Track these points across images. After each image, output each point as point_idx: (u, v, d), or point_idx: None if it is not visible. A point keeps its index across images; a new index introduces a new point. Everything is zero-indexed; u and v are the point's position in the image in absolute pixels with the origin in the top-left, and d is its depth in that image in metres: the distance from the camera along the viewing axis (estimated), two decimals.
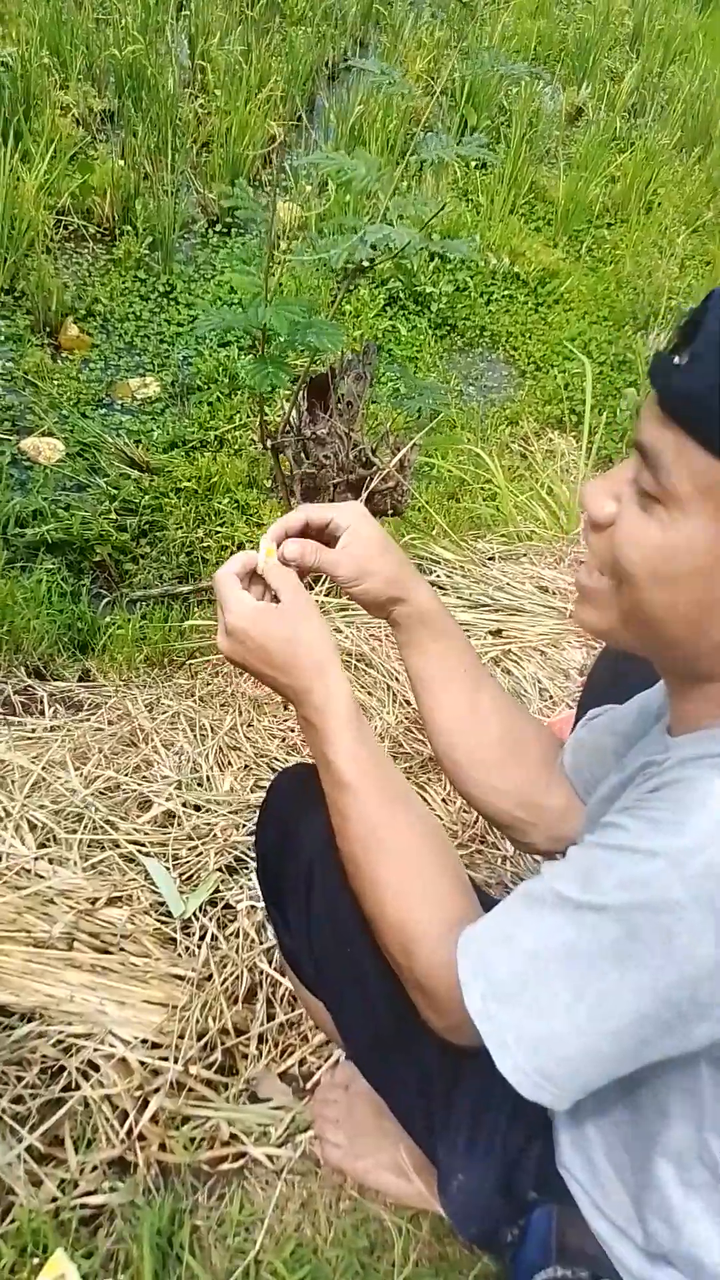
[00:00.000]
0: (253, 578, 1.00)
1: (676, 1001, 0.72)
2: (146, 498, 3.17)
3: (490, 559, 2.46)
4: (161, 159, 4.29)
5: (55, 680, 2.21)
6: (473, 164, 5.00)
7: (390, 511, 2.28)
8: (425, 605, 1.07)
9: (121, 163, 4.25)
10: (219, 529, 3.12)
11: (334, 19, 5.66)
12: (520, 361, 4.18)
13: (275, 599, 0.97)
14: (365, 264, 2.02)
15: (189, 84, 4.94)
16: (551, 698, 1.96)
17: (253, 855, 1.51)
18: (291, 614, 0.95)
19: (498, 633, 2.09)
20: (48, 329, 3.71)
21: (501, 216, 4.68)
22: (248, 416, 3.46)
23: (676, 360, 0.70)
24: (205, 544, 3.12)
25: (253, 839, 1.42)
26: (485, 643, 2.06)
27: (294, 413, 2.20)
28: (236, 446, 3.42)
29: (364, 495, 2.16)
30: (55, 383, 3.51)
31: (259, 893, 1.50)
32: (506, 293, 4.42)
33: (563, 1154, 0.96)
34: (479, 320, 4.27)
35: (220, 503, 3.18)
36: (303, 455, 2.22)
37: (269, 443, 2.20)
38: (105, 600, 2.87)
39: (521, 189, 4.85)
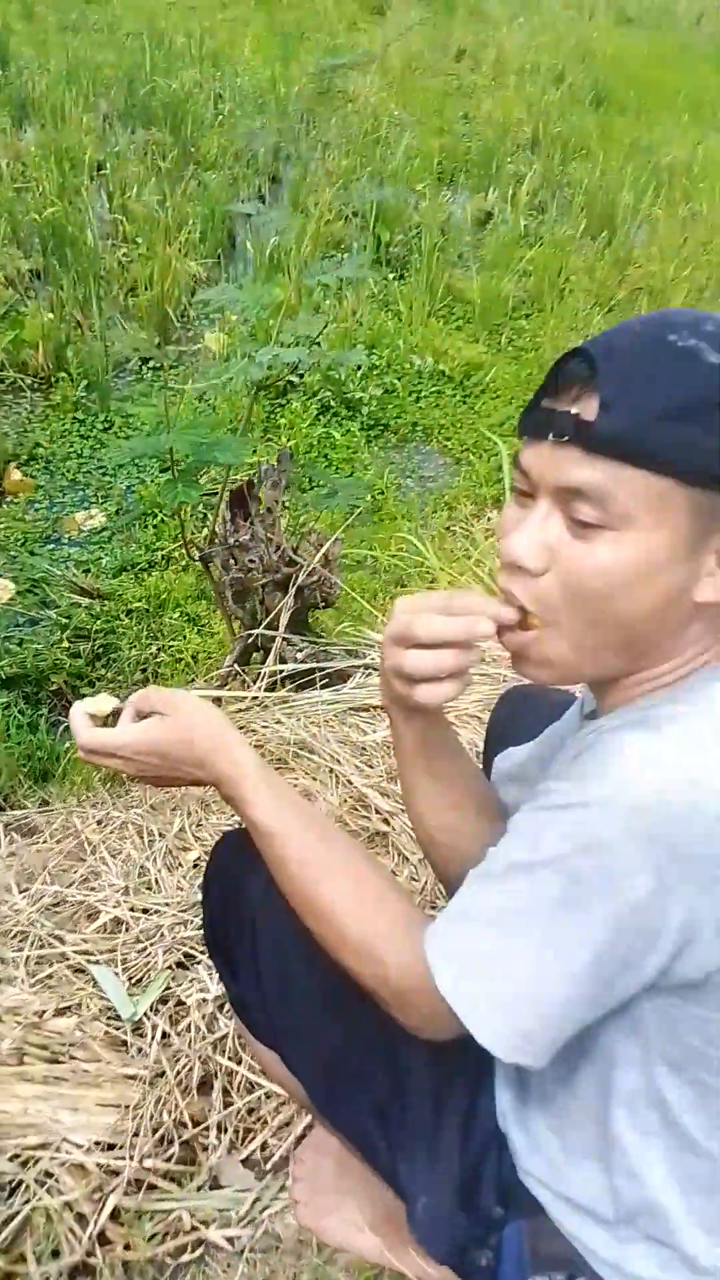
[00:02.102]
0: (108, 720, 1.06)
1: (626, 933, 0.77)
2: (98, 623, 3.25)
3: None
4: (89, 308, 4.51)
5: (14, 810, 2.25)
6: (390, 276, 5.27)
7: (321, 604, 2.36)
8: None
9: (51, 315, 4.47)
10: (172, 643, 3.20)
11: (245, 160, 5.99)
12: (454, 450, 4.32)
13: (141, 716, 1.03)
14: (267, 380, 2.14)
15: (110, 236, 5.22)
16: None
17: (203, 948, 1.54)
18: (177, 717, 1.02)
19: None
20: None
21: (422, 320, 4.89)
22: (190, 533, 3.59)
23: (575, 411, 0.81)
24: (159, 659, 3.20)
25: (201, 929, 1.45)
26: None
27: (218, 524, 2.29)
28: (183, 563, 3.52)
29: (291, 591, 2.24)
30: (1, 527, 3.63)
31: (208, 985, 1.54)
32: (434, 389, 4.60)
33: (521, 1161, 0.99)
34: (410, 418, 4.43)
35: (171, 618, 3.27)
36: (230, 562, 2.31)
37: (197, 555, 2.29)
38: (63, 726, 2.92)
39: (438, 293, 5.07)
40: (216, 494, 2.26)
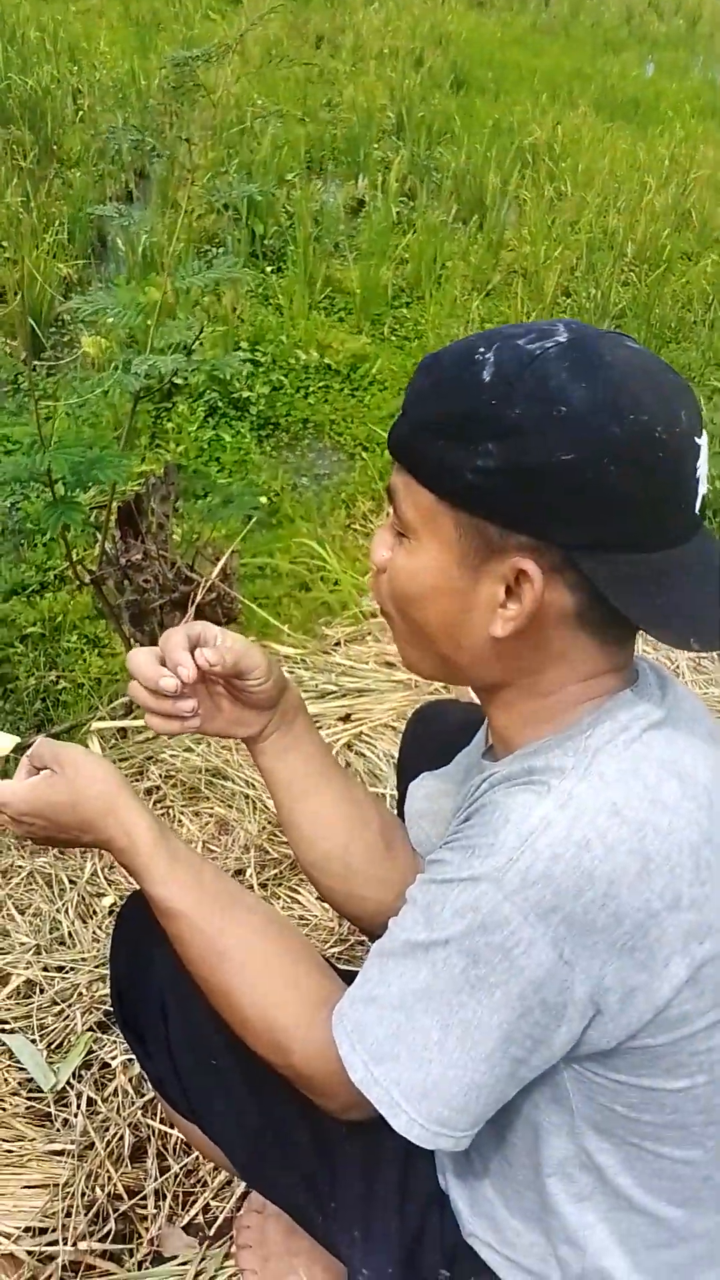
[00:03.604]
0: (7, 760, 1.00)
1: (531, 1010, 0.75)
2: None
3: (336, 644, 2.48)
4: None
5: None
6: (268, 269, 5.18)
7: (224, 620, 2.29)
8: (298, 693, 1.11)
9: None
10: (73, 668, 3.08)
11: (109, 156, 5.82)
12: (347, 446, 4.27)
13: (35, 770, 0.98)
14: (147, 390, 2.05)
15: None
16: None
17: None
18: (64, 775, 0.96)
19: (346, 718, 2.09)
20: None
21: (304, 313, 4.82)
22: (85, 549, 3.46)
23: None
24: (60, 685, 3.08)
25: None
26: (335, 730, 2.06)
27: (107, 544, 2.20)
28: (77, 583, 3.39)
29: (191, 610, 2.15)
30: None
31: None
32: (322, 383, 4.53)
33: (465, 1223, 0.96)
34: (300, 414, 4.36)
35: (69, 641, 3.15)
36: (125, 583, 2.22)
37: (88, 578, 2.19)
38: None
39: (317, 285, 5.01)
40: (104, 508, 2.16)
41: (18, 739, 1.02)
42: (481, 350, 0.78)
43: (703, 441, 0.80)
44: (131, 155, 5.91)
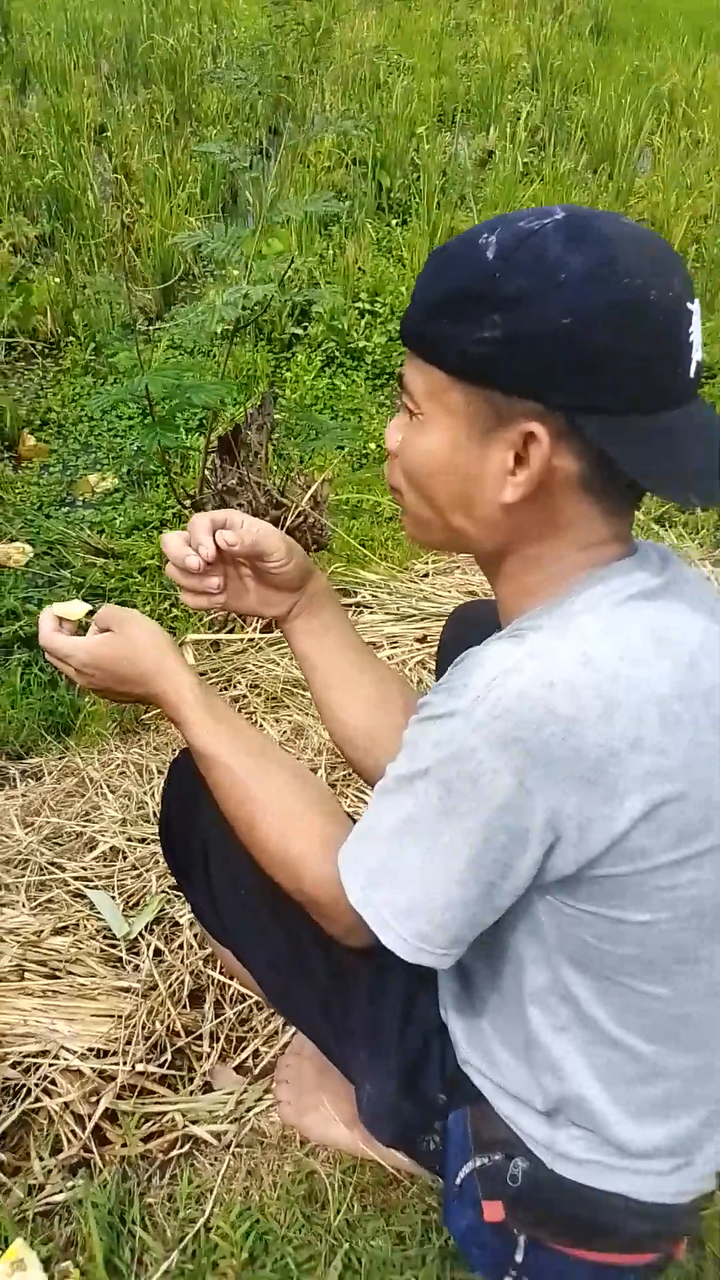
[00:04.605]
0: (79, 624, 1.13)
1: (496, 834, 0.82)
2: (113, 581, 3.32)
3: (424, 576, 2.57)
4: (94, 271, 4.55)
5: (30, 759, 2.34)
6: (393, 222, 5.25)
7: (314, 546, 2.41)
8: (326, 582, 1.20)
9: (58, 280, 4.52)
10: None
11: (244, 114, 5.96)
12: None
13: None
14: (243, 321, 2.17)
15: (117, 197, 5.24)
16: None
17: None
18: (123, 635, 1.08)
19: (423, 639, 2.19)
20: (6, 443, 3.92)
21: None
22: (182, 482, 3.64)
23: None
24: (173, 614, 3.28)
25: None
26: (411, 649, 2.16)
27: (206, 470, 2.34)
28: (180, 505, 3.57)
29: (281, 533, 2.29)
30: (17, 491, 3.71)
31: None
32: None
33: (461, 1050, 1.06)
34: None
35: None
36: (221, 507, 2.36)
37: (188, 502, 2.35)
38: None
39: (440, 236, 5.04)
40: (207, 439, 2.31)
41: (90, 606, 1.15)
42: (485, 235, 0.84)
43: (695, 307, 0.85)
44: (265, 112, 6.03)
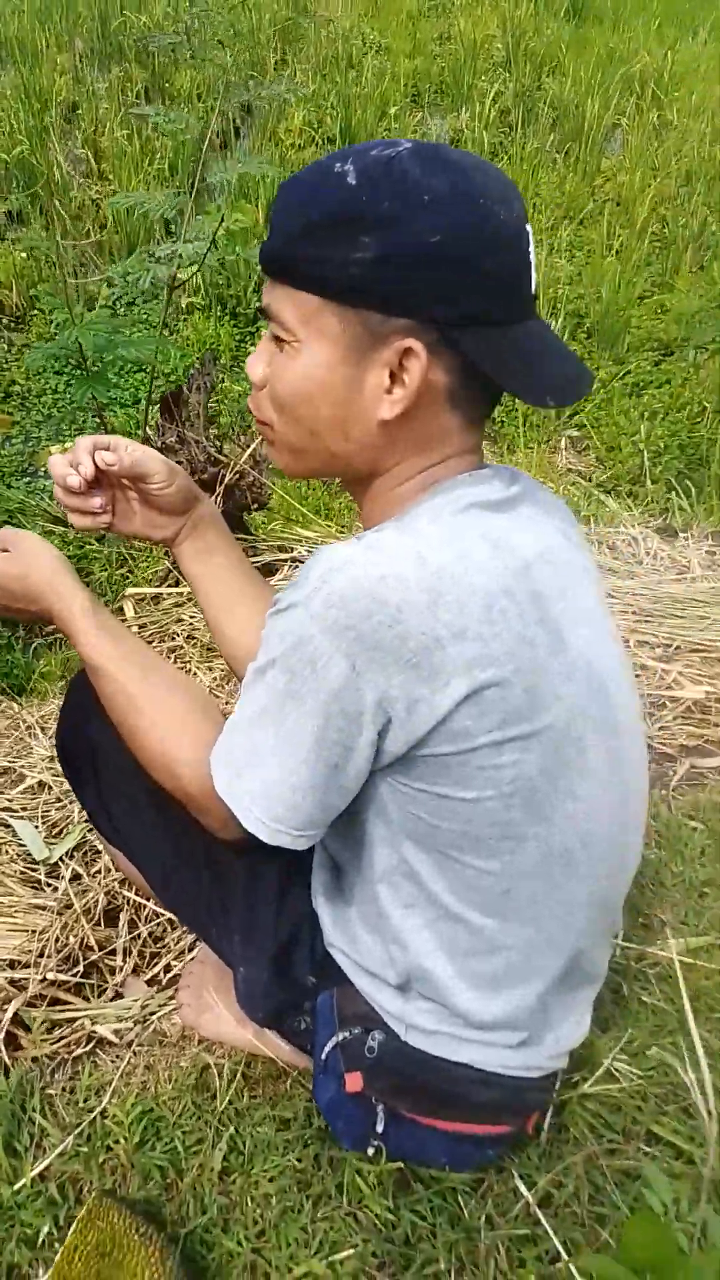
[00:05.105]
0: None
1: (334, 717, 0.89)
2: (71, 549, 3.39)
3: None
4: (62, 246, 4.59)
5: None
6: None
7: (254, 505, 2.48)
8: (213, 507, 1.25)
9: (24, 255, 4.57)
10: (144, 561, 3.33)
11: (215, 91, 5.99)
12: None
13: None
14: (177, 280, 2.23)
15: (87, 174, 5.29)
16: None
17: None
18: (17, 553, 1.15)
19: None
20: None
21: None
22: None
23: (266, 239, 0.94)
24: (129, 578, 3.34)
25: None
26: None
27: (147, 429, 2.40)
28: None
29: (219, 490, 2.35)
30: None
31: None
32: None
33: (328, 935, 1.13)
34: None
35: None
36: None
37: None
38: (35, 645, 3.07)
39: None
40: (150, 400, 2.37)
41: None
42: (339, 164, 0.90)
43: (529, 229, 0.92)
44: (237, 89, 6.07)
